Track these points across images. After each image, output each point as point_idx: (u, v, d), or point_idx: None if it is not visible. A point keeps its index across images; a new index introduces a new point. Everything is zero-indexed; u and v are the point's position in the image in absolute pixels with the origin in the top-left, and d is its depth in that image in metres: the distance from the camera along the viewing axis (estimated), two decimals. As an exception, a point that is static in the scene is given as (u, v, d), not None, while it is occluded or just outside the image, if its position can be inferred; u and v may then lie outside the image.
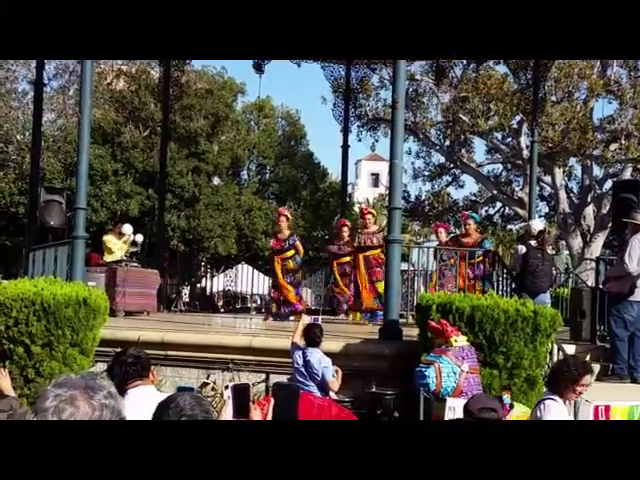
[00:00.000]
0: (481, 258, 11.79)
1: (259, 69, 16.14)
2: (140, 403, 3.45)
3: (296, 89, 77.47)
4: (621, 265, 9.37)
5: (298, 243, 13.25)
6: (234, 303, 20.17)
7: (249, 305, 19.45)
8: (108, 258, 13.36)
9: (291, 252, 13.11)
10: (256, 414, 3.26)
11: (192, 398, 2.74)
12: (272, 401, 3.51)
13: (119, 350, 4.38)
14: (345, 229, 13.68)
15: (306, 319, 7.95)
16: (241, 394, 3.32)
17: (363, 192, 51.91)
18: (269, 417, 3.34)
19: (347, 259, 13.46)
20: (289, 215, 13.76)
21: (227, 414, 3.24)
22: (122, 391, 4.01)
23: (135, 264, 13.40)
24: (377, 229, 13.13)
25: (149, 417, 2.79)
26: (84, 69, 10.34)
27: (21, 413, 4.62)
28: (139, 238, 14.27)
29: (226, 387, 3.33)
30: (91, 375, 2.32)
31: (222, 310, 18.92)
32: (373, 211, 13.85)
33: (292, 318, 12.70)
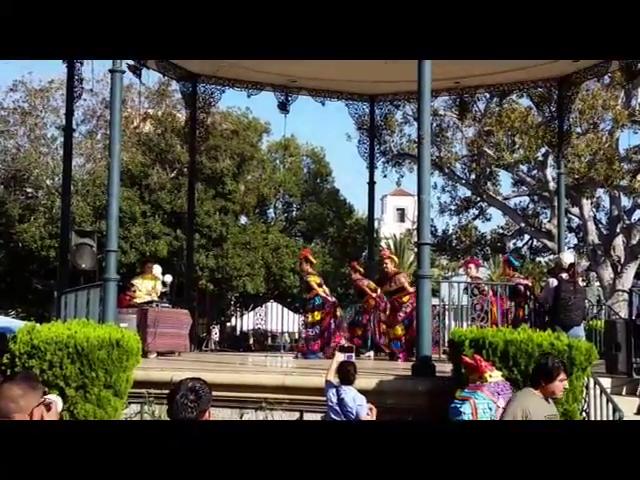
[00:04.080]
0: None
1: (284, 108, 16.27)
2: None
3: (321, 127, 78.09)
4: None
5: (313, 285, 13.36)
6: (264, 341, 20.13)
7: (279, 343, 19.42)
8: (138, 300, 13.43)
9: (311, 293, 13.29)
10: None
11: None
12: None
13: (188, 379, 4.12)
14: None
15: (340, 357, 7.91)
16: None
17: (389, 227, 51.92)
18: None
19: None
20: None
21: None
22: None
23: (166, 304, 13.45)
24: (393, 271, 13.14)
25: None
26: (113, 114, 10.51)
27: None
28: (168, 279, 14.32)
29: None
30: None
31: (253, 348, 18.89)
32: (393, 256, 13.87)
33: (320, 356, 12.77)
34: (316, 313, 13.14)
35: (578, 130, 22.98)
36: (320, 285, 13.32)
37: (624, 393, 9.80)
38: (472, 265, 12.96)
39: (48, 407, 3.68)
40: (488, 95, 23.30)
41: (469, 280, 12.65)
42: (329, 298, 13.29)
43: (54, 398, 3.86)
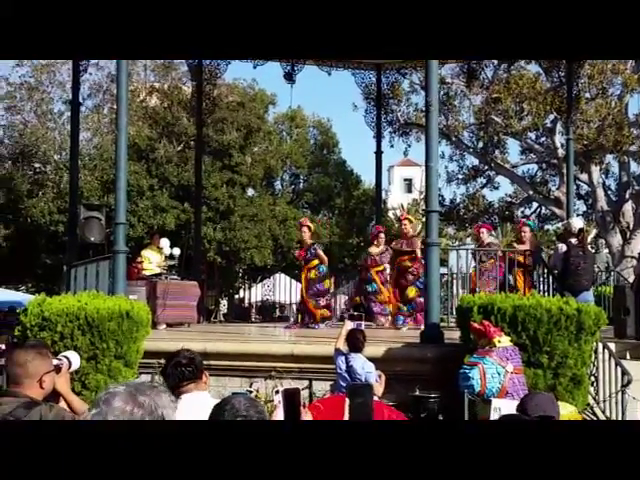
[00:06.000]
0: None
1: (290, 79, 16.10)
2: (196, 409, 3.49)
3: (327, 97, 77.62)
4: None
5: (320, 252, 13.24)
6: (272, 313, 20.20)
7: (287, 314, 19.48)
8: (147, 272, 13.49)
9: (315, 262, 13.15)
10: (307, 418, 3.27)
11: (246, 400, 2.78)
12: (347, 401, 3.55)
13: (174, 352, 4.37)
14: (382, 235, 13.69)
15: (349, 324, 7.94)
16: (291, 399, 3.34)
17: (396, 198, 51.72)
18: (346, 417, 3.38)
19: (381, 267, 13.47)
20: (311, 225, 13.76)
21: (278, 418, 3.26)
22: (176, 394, 4.02)
23: (175, 277, 13.51)
24: (411, 234, 13.21)
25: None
26: (119, 88, 10.47)
27: None
28: (176, 252, 14.36)
29: (276, 392, 3.36)
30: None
31: (261, 319, 18.96)
32: (410, 217, 13.87)
33: (322, 326, 12.81)
34: (327, 281, 13.30)
35: (587, 95, 22.75)
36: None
37: (629, 357, 9.82)
38: (484, 229, 12.93)
39: (58, 369, 3.77)
40: (496, 62, 23.08)
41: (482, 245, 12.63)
42: None
43: (68, 354, 3.97)
